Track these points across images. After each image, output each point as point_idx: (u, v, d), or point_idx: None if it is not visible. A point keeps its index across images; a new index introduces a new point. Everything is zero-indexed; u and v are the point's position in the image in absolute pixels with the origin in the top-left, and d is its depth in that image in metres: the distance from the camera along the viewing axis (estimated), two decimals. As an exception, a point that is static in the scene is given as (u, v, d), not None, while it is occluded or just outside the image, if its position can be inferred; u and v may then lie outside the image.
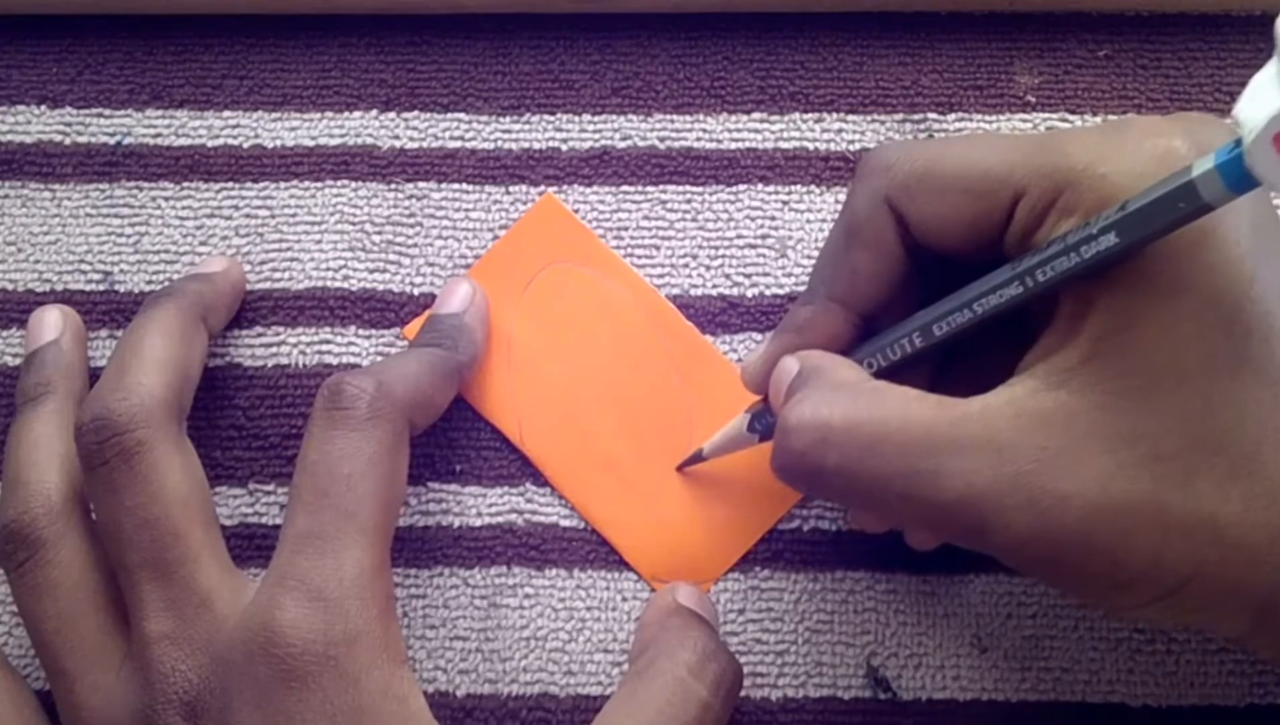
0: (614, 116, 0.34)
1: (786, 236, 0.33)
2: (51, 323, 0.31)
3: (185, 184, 0.34)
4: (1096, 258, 0.22)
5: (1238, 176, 0.20)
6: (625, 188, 0.33)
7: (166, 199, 0.33)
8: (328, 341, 0.32)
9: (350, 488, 0.26)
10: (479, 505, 0.31)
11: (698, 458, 0.30)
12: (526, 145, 0.34)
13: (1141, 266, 0.22)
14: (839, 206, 0.33)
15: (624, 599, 0.30)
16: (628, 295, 0.32)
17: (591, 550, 0.31)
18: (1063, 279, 0.23)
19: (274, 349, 0.32)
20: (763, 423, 0.29)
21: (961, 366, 0.27)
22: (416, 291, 0.33)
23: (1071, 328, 0.23)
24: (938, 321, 0.25)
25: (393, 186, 0.33)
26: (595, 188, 0.33)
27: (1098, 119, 0.34)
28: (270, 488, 0.31)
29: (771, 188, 0.33)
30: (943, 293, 0.26)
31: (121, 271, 0.33)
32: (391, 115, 0.34)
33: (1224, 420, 0.22)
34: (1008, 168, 0.24)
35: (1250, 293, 0.22)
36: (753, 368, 0.29)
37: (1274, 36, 0.19)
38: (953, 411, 0.23)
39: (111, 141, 0.34)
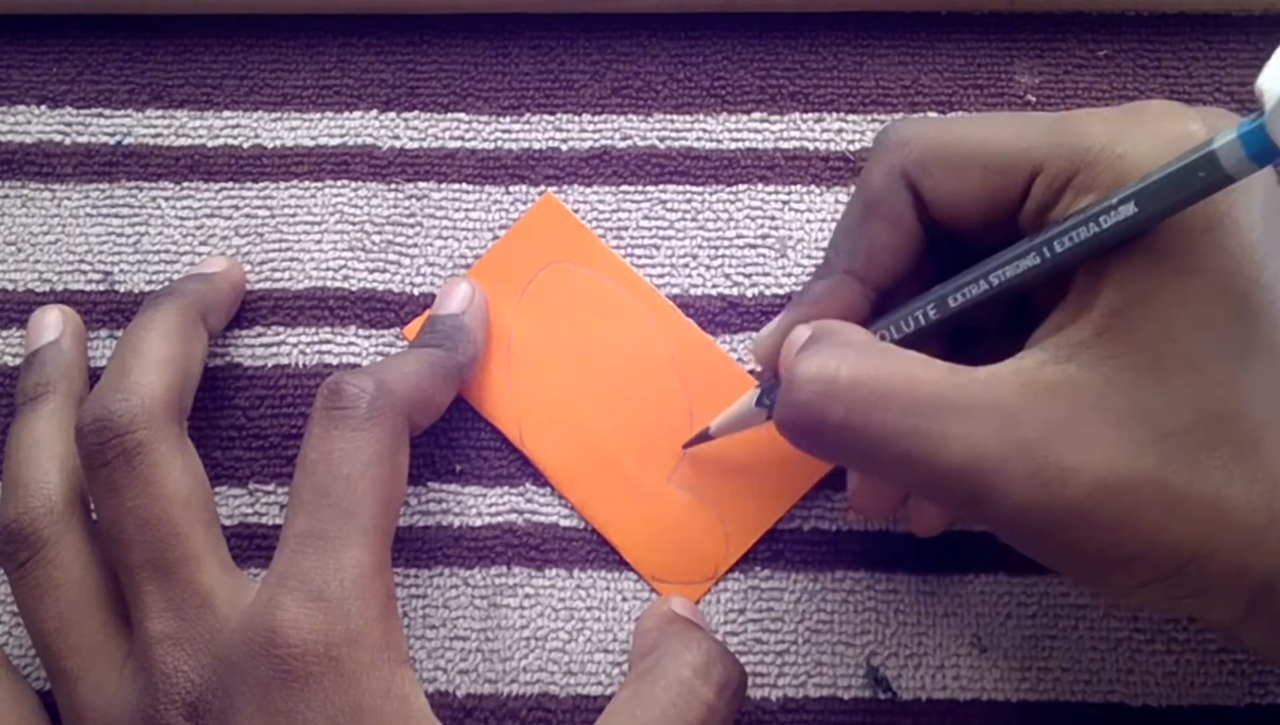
0: (614, 116, 0.34)
1: (786, 236, 0.33)
2: (51, 323, 0.31)
3: (185, 184, 0.34)
4: (1115, 229, 0.22)
5: (1259, 146, 0.20)
6: (625, 188, 0.33)
7: (166, 199, 0.33)
8: (328, 341, 0.32)
9: (350, 487, 0.26)
10: (479, 505, 0.31)
11: (705, 437, 0.30)
12: (526, 145, 0.34)
13: (1154, 246, 0.23)
14: (839, 206, 0.33)
15: (624, 599, 0.30)
16: (628, 295, 0.32)
17: (591, 550, 0.31)
18: (1080, 250, 0.23)
19: (274, 349, 0.32)
20: (771, 397, 0.28)
21: (974, 349, 0.27)
22: (416, 291, 0.33)
23: (1083, 303, 0.23)
24: (953, 293, 0.25)
25: (393, 186, 0.33)
26: (595, 188, 0.33)
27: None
28: (270, 488, 0.31)
29: (771, 188, 0.33)
30: (958, 271, 0.26)
31: (121, 271, 0.33)
32: (391, 115, 0.34)
33: (1231, 402, 0.22)
34: (1025, 144, 0.24)
35: (1261, 279, 0.22)
36: (764, 339, 0.29)
37: None
38: (961, 377, 0.23)
39: (111, 141, 0.34)
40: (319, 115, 0.34)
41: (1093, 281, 0.23)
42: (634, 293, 0.32)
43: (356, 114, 0.34)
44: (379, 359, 0.32)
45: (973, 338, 0.28)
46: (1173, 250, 0.22)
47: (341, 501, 0.26)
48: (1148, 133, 0.23)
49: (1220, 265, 0.22)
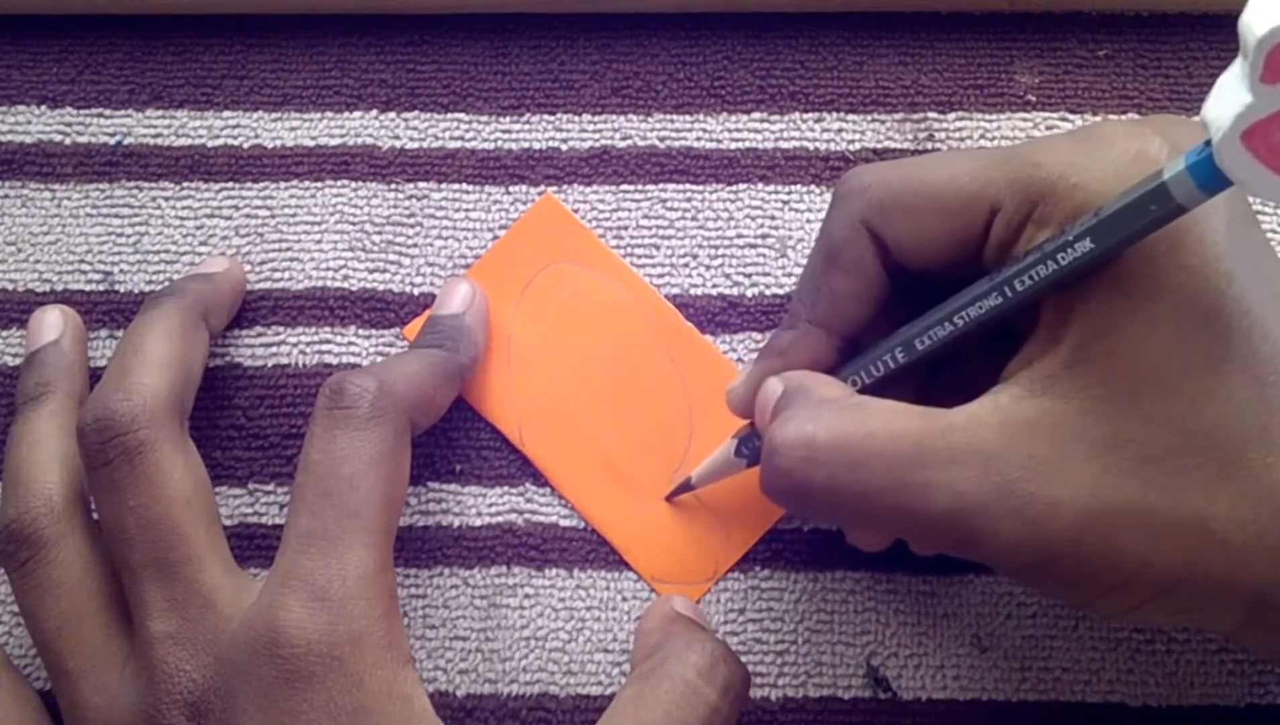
0: (614, 116, 0.34)
1: (786, 236, 0.33)
2: (52, 323, 0.31)
3: (185, 184, 0.33)
4: (1074, 264, 0.22)
5: (1209, 176, 0.20)
6: (625, 187, 0.33)
7: (166, 199, 0.33)
8: (328, 341, 0.32)
9: (353, 487, 0.26)
10: (479, 505, 0.31)
11: (686, 487, 0.30)
12: (526, 145, 0.34)
13: (1119, 272, 0.23)
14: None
15: (624, 599, 0.30)
16: (627, 295, 0.32)
17: (591, 550, 0.31)
18: (1041, 287, 0.23)
19: (274, 349, 0.32)
20: (749, 447, 0.29)
21: (949, 379, 0.27)
22: (416, 291, 0.33)
23: (1053, 335, 0.23)
24: (919, 336, 0.25)
25: (393, 186, 0.33)
26: (595, 187, 0.33)
27: (1098, 119, 0.34)
28: (270, 488, 0.31)
29: (771, 187, 0.33)
30: (924, 311, 0.26)
31: (121, 271, 0.33)
32: (391, 115, 0.34)
33: (1209, 420, 0.22)
34: (981, 184, 0.24)
35: (1229, 292, 0.22)
36: (737, 392, 0.29)
37: (1239, 35, 0.19)
38: (938, 423, 0.23)
39: (111, 141, 0.34)
40: (319, 115, 0.34)
41: (1060, 314, 0.23)
42: (634, 293, 0.32)
43: (356, 114, 0.34)
44: (379, 359, 0.32)
45: (954, 361, 0.28)
46: (1137, 275, 0.22)
47: (344, 501, 0.26)
48: (1103, 158, 0.23)
49: (1185, 284, 0.22)
